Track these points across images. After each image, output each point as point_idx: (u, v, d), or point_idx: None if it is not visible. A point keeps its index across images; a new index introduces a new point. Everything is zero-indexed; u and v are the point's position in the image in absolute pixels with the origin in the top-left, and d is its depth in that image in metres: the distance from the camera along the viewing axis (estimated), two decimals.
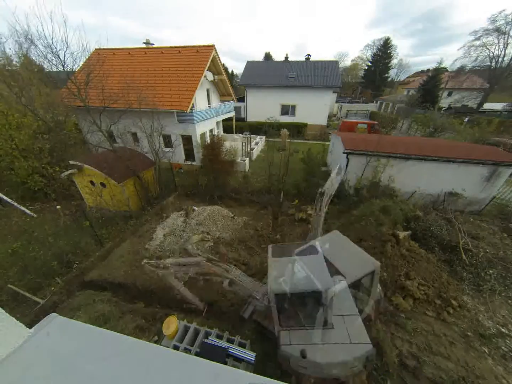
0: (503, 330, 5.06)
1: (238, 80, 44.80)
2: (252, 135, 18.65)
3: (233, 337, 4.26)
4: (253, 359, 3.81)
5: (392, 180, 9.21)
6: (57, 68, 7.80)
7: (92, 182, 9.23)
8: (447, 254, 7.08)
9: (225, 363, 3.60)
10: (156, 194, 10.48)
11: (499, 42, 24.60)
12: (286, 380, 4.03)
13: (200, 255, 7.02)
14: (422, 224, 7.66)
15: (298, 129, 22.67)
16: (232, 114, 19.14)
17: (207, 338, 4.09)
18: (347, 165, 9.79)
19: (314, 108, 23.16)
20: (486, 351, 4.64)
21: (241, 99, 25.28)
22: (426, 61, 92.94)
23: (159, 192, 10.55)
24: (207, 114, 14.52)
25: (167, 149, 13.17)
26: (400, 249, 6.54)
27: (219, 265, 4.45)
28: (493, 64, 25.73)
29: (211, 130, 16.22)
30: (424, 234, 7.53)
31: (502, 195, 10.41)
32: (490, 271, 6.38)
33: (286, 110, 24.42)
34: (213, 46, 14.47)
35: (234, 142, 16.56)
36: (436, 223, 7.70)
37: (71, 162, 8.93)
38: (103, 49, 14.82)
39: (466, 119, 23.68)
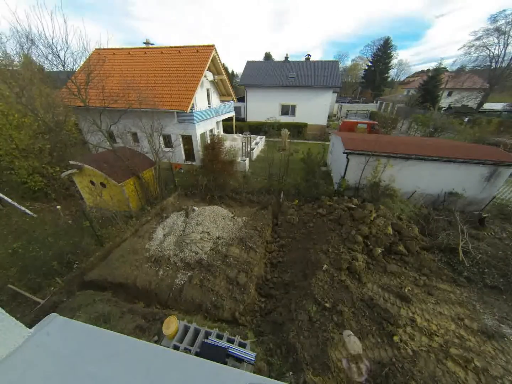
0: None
1: (238, 80, 44.81)
2: (252, 135, 18.64)
3: (233, 337, 4.26)
4: (253, 359, 3.81)
5: (393, 180, 9.22)
6: (57, 68, 7.79)
7: (92, 182, 9.23)
8: (447, 254, 7.09)
9: (225, 363, 3.60)
10: (156, 194, 10.47)
11: (499, 42, 24.57)
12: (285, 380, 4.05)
13: (202, 251, 7.03)
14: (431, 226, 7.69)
15: (298, 129, 22.65)
16: (232, 114, 19.12)
17: (207, 338, 4.09)
18: (347, 165, 9.79)
19: (314, 108, 23.14)
20: None
21: (241, 99, 25.25)
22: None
23: (159, 192, 10.55)
24: (207, 114, 14.51)
25: (167, 149, 13.17)
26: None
27: None
28: (493, 64, 25.69)
29: (211, 130, 16.21)
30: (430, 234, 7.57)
31: (502, 195, 10.41)
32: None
33: (286, 110, 24.40)
34: (213, 46, 14.47)
35: (234, 142, 16.57)
36: (437, 224, 7.73)
37: (71, 162, 8.93)
38: (103, 49, 14.80)
39: (466, 119, 23.67)
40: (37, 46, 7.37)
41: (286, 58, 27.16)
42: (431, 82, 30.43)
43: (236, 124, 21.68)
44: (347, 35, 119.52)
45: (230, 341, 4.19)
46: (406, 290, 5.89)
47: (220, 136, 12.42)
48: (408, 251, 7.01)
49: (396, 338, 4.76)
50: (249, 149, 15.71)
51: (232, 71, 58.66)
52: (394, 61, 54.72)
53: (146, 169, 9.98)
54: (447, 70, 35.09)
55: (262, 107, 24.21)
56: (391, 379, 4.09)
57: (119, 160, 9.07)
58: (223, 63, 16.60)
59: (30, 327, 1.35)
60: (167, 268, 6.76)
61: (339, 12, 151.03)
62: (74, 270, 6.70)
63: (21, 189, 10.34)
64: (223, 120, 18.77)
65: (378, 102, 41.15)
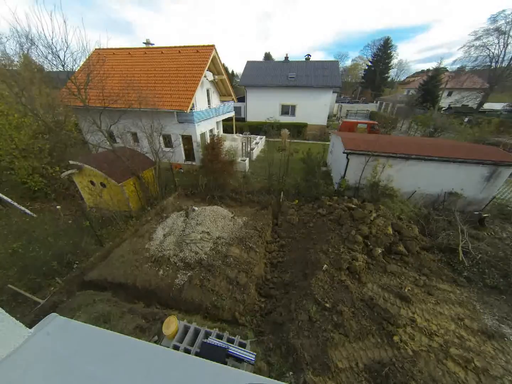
0: None
1: (238, 80, 44.81)
2: (252, 135, 18.64)
3: (233, 337, 4.26)
4: (253, 359, 3.80)
5: (392, 180, 9.21)
6: (57, 68, 7.78)
7: (92, 182, 9.23)
8: (447, 254, 7.08)
9: (225, 363, 3.59)
10: (156, 194, 10.47)
11: (499, 42, 24.57)
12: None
13: (202, 251, 7.03)
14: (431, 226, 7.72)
15: (298, 129, 22.66)
16: (232, 114, 19.12)
17: (207, 338, 4.09)
18: (347, 165, 9.79)
19: (314, 108, 23.14)
20: None
21: (241, 99, 25.26)
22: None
23: (159, 192, 10.55)
24: (207, 114, 14.51)
25: (167, 149, 13.16)
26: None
27: None
28: (493, 64, 25.69)
29: (211, 130, 16.21)
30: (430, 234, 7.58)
31: (502, 195, 10.42)
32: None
33: (286, 110, 24.40)
34: (213, 46, 14.46)
35: (234, 142, 16.56)
36: (437, 224, 7.74)
37: (71, 162, 8.93)
38: (103, 49, 14.80)
39: (466, 119, 23.67)
40: (37, 46, 7.38)
41: (286, 58, 27.16)
42: (431, 82, 30.42)
43: (236, 124, 21.68)
44: (345, 35, 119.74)
45: (230, 341, 4.18)
46: (406, 290, 5.89)
47: (220, 136, 12.41)
48: (408, 251, 7.01)
49: (396, 338, 4.77)
50: (249, 149, 15.71)
51: (232, 71, 58.65)
52: (394, 61, 54.86)
53: (146, 169, 9.98)
54: (447, 70, 35.08)
55: (262, 107, 24.22)
56: (391, 379, 4.09)
57: (119, 160, 9.07)
58: (223, 63, 16.60)
59: (30, 327, 1.35)
60: (167, 268, 6.75)
61: (338, 13, 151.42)
62: (74, 270, 6.70)
63: (21, 189, 10.34)
64: (223, 120, 18.76)
65: (378, 102, 41.18)
